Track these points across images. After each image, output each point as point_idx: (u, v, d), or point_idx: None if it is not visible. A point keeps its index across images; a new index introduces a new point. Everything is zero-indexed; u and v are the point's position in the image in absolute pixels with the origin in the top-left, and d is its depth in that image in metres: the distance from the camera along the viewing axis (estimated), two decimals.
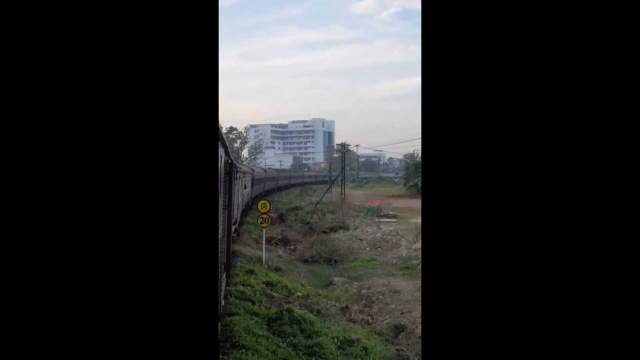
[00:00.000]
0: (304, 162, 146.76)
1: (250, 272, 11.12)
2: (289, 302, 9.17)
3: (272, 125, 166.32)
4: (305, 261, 14.99)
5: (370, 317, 9.30)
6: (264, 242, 14.44)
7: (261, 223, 14.49)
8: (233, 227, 12.22)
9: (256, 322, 7.61)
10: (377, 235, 18.91)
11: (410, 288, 11.21)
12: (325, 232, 20.12)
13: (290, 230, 20.77)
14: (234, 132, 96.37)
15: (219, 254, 5.73)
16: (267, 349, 6.62)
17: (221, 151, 5.89)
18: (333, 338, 7.53)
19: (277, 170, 54.93)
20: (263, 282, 10.37)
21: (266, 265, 12.69)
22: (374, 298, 10.60)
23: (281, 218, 24.72)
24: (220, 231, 5.92)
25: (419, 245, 15.69)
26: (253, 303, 8.69)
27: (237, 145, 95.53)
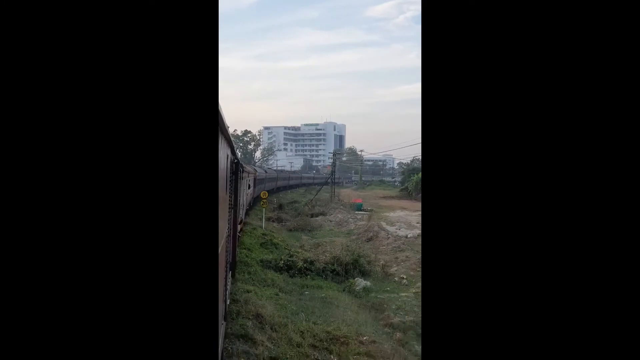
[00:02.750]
0: (314, 164, 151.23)
1: (254, 228, 20.16)
2: None
3: (285, 128, 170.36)
4: (290, 230, 23.95)
5: (313, 249, 18.29)
6: (264, 216, 23.43)
7: (262, 205, 23.59)
8: (239, 227, 13.02)
9: (255, 242, 16.65)
10: (342, 218, 28.00)
11: (343, 241, 20.14)
12: (307, 216, 29.15)
13: (285, 214, 29.73)
14: (248, 134, 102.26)
15: (225, 253, 5.85)
16: (258, 250, 15.62)
17: (228, 150, 6.06)
18: (290, 250, 16.55)
19: (276, 171, 57.58)
20: (261, 233, 19.37)
21: (264, 229, 21.66)
22: (320, 244, 19.56)
23: (280, 207, 33.73)
24: (226, 230, 6.10)
25: (361, 223, 24.77)
26: (253, 238, 17.71)
27: (250, 147, 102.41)
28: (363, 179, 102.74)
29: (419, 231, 21.57)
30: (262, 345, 7.05)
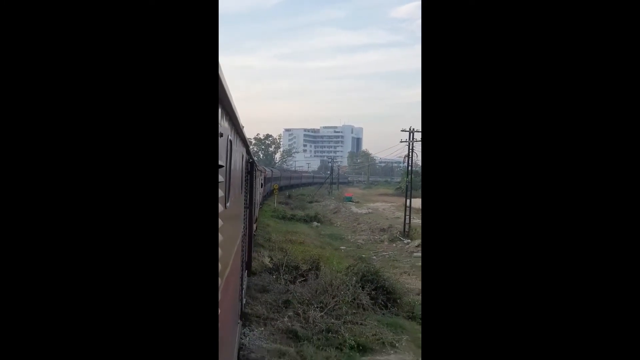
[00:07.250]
0: (330, 164, 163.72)
1: (269, 205, 34.76)
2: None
3: (305, 130, 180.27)
4: (291, 208, 38.36)
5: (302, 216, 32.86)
6: (275, 200, 37.96)
7: (274, 192, 38.30)
8: (254, 226, 13.70)
9: (268, 210, 31.26)
10: (327, 204, 42.69)
11: (324, 214, 34.62)
12: (306, 202, 43.79)
13: (291, 201, 44.19)
14: (270, 138, 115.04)
15: (240, 253, 5.94)
16: (270, 212, 30.20)
17: (243, 150, 6.18)
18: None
19: (280, 170, 64.09)
20: (273, 207, 33.89)
21: (276, 207, 36.16)
22: (308, 215, 34.06)
23: (289, 197, 48.41)
24: (241, 230, 6.34)
25: (337, 205, 39.32)
26: (268, 209, 32.27)
27: (271, 149, 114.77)
28: (373, 179, 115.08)
29: (371, 210, 35.92)
30: (268, 230, 21.74)
